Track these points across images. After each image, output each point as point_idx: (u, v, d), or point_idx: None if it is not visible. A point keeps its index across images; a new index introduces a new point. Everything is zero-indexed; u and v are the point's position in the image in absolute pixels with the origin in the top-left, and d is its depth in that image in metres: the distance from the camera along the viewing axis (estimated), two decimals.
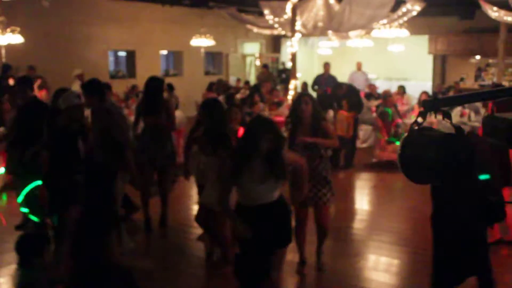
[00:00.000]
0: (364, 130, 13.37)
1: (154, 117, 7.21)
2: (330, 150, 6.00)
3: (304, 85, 16.39)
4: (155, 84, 7.35)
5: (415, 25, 15.96)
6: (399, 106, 13.18)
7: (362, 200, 10.08)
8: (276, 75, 21.70)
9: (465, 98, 3.76)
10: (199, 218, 6.00)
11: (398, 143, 8.51)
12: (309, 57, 22.84)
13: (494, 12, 13.64)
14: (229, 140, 5.66)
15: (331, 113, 11.58)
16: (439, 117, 2.47)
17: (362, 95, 15.12)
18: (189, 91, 18.04)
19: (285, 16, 13.11)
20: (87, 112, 6.45)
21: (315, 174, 5.64)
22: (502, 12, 13.58)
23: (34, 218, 6.31)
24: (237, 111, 6.61)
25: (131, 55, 19.43)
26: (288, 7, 11.50)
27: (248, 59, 23.52)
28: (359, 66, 17.88)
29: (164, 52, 21.15)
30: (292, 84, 11.42)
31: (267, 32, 17.38)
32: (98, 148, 6.03)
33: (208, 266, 6.34)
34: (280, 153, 4.39)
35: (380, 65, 20.80)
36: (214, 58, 22.76)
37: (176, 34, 19.51)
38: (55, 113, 6.07)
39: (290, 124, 5.90)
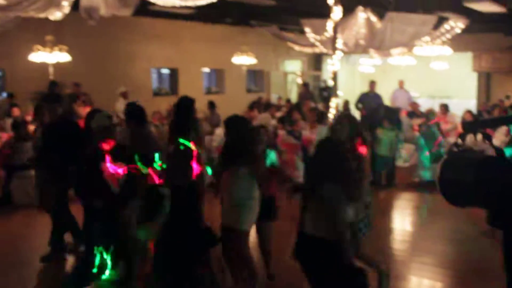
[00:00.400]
0: (406, 149, 13.21)
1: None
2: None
3: (346, 103, 16.32)
4: (185, 104, 7.34)
5: (458, 42, 15.76)
6: (442, 125, 12.99)
7: (404, 220, 9.93)
8: (317, 93, 21.65)
9: (504, 120, 3.69)
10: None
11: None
12: (350, 75, 22.75)
13: None
14: (250, 157, 5.69)
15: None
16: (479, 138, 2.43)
17: (404, 113, 14.97)
18: (230, 109, 18.02)
19: (326, 34, 13.11)
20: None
21: None
22: None
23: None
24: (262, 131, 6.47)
25: (174, 73, 19.69)
26: (329, 25, 11.47)
27: (290, 77, 23.56)
28: (401, 84, 17.72)
29: (207, 70, 21.35)
30: (334, 102, 11.35)
31: (308, 50, 17.38)
32: None
33: None
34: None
35: (422, 83, 20.57)
36: (255, 76, 22.86)
37: (218, 52, 19.69)
38: (88, 133, 6.25)
39: None
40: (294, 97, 21.49)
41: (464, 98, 19.50)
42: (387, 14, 12.88)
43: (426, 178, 11.35)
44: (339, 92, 11.73)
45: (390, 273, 5.59)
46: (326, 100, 16.55)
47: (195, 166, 5.79)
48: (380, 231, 8.10)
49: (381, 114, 11.69)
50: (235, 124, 6.11)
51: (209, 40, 19.20)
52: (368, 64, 20.77)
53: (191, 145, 5.91)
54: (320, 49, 15.39)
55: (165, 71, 20.55)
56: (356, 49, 14.45)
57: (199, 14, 15.24)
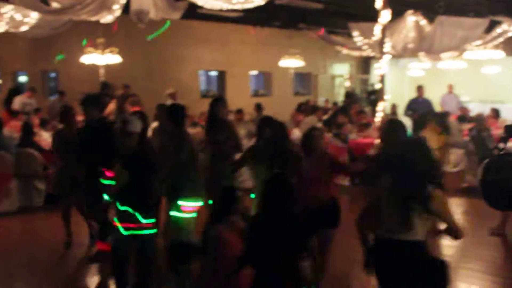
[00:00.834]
0: (455, 154, 12.99)
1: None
2: None
3: (393, 107, 16.16)
4: (215, 105, 7.39)
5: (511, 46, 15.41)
6: (493, 130, 12.71)
7: None
8: (365, 97, 21.50)
9: None
10: None
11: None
12: (399, 79, 22.49)
13: None
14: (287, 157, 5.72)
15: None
16: None
17: (454, 118, 14.72)
18: (278, 112, 18.07)
19: (374, 38, 13.00)
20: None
21: None
22: None
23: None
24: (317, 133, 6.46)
25: (221, 75, 19.86)
26: (377, 28, 11.36)
27: (338, 80, 23.45)
28: (450, 89, 17.44)
29: (254, 72, 21.45)
30: (381, 106, 11.25)
31: (356, 53, 17.29)
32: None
33: None
34: None
35: (473, 87, 20.14)
36: (303, 78, 22.85)
37: (266, 55, 19.76)
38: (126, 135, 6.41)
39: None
40: (341, 100, 21.40)
41: None
42: (437, 18, 12.69)
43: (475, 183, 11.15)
44: (386, 96, 11.61)
45: None
46: (373, 104, 16.44)
47: None
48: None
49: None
50: (273, 125, 6.09)
51: (256, 43, 19.29)
52: (418, 68, 20.51)
53: None
54: (368, 52, 15.29)
55: (213, 73, 20.75)
56: (405, 52, 14.29)
57: (247, 17, 15.33)
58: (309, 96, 21.23)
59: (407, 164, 3.96)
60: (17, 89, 14.14)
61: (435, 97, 16.83)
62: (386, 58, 11.04)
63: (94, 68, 14.50)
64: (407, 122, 12.78)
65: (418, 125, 12.13)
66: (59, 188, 7.72)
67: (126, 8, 9.99)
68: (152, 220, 5.12)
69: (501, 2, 12.94)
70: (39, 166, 10.07)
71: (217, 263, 4.30)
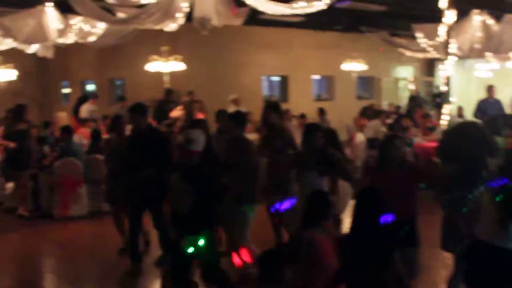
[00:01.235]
0: None
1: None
2: None
3: (459, 109, 15.78)
4: (267, 110, 7.36)
5: None
6: None
7: None
8: (430, 100, 21.07)
9: None
10: None
11: None
12: (465, 80, 21.91)
13: None
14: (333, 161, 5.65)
15: None
16: None
17: None
18: (340, 116, 18.04)
19: (439, 39, 12.76)
20: None
21: None
22: None
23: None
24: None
25: (284, 80, 19.90)
26: (442, 29, 11.16)
27: (401, 83, 23.09)
28: None
29: (316, 77, 21.39)
30: (447, 108, 11.03)
31: (420, 55, 16.99)
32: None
33: None
34: None
35: None
36: (366, 82, 22.62)
37: (328, 59, 19.67)
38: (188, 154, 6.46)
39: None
40: (405, 103, 21.06)
41: None
42: (505, 16, 12.34)
43: None
44: (452, 98, 11.36)
45: None
46: (439, 107, 16.11)
47: None
48: None
49: (500, 122, 11.19)
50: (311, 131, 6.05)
51: (319, 47, 19.23)
52: (485, 69, 19.95)
53: None
54: (433, 54, 15.00)
55: (275, 78, 20.80)
56: (471, 53, 13.93)
57: (309, 22, 15.31)
58: (372, 100, 20.98)
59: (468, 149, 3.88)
60: (85, 98, 14.59)
61: (504, 98, 16.30)
62: (452, 59, 10.82)
63: (158, 75, 14.80)
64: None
65: (490, 127, 11.77)
66: (110, 197, 7.76)
67: (189, 16, 10.15)
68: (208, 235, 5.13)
69: None
70: None
71: (310, 269, 4.26)
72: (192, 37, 13.86)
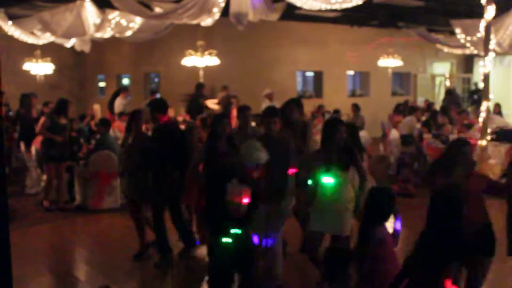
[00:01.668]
0: None
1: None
2: None
3: (497, 106, 15.49)
4: (288, 106, 7.18)
5: None
6: None
7: None
8: (467, 96, 20.78)
9: None
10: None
11: None
12: (505, 77, 21.54)
13: None
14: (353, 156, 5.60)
15: None
16: None
17: None
18: (375, 112, 17.92)
19: (478, 35, 12.53)
20: None
21: None
22: None
23: None
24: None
25: (318, 76, 19.80)
26: (482, 25, 10.95)
27: (438, 80, 22.78)
28: None
29: (351, 72, 21.24)
30: (484, 105, 10.82)
31: (458, 51, 16.75)
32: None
33: None
34: None
35: None
36: (401, 78, 22.38)
37: (364, 54, 19.52)
38: (215, 137, 6.48)
39: None
40: (441, 99, 20.78)
41: None
42: None
43: None
44: (490, 95, 11.15)
45: None
46: (476, 104, 15.85)
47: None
48: None
49: None
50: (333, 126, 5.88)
51: (354, 43, 19.10)
52: None
53: None
54: (471, 50, 14.75)
55: (310, 74, 20.72)
56: (511, 49, 13.66)
57: (345, 17, 15.21)
58: (408, 96, 20.75)
59: None
60: (120, 91, 14.73)
61: None
62: (491, 55, 10.62)
63: (193, 70, 14.87)
64: None
65: None
66: (129, 194, 7.47)
67: (224, 11, 10.16)
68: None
69: None
70: None
71: (377, 267, 4.21)
72: (227, 32, 13.91)
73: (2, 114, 3.59)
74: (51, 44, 13.15)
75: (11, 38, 12.98)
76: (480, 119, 11.00)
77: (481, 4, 10.66)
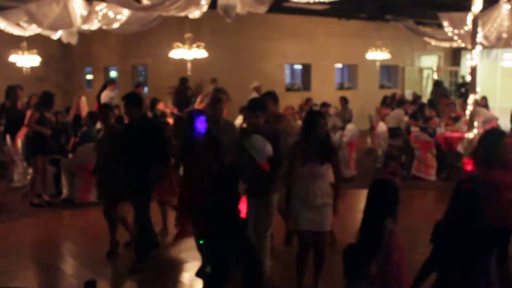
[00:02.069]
0: None
1: None
2: None
3: (484, 99, 15.58)
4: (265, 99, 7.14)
5: None
6: None
7: None
8: (454, 89, 20.87)
9: None
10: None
11: None
12: (491, 70, 21.66)
13: None
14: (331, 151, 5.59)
15: None
16: None
17: None
18: (363, 105, 17.97)
19: (466, 28, 12.57)
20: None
21: None
22: None
23: None
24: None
25: (306, 69, 19.80)
26: (469, 18, 10.98)
27: (425, 73, 22.87)
28: None
29: (339, 65, 21.26)
30: (471, 98, 10.87)
31: (446, 44, 16.78)
32: None
33: None
34: None
35: None
36: (389, 71, 22.44)
37: (352, 47, 19.54)
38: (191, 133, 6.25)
39: None
40: (429, 93, 20.87)
41: None
42: None
43: None
44: (477, 88, 11.19)
45: None
46: (464, 97, 15.93)
47: None
48: None
49: None
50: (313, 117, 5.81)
51: (342, 36, 19.11)
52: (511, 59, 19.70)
53: None
54: (459, 43, 14.79)
55: (298, 66, 20.72)
56: (498, 43, 13.71)
57: (333, 10, 15.20)
58: (395, 89, 20.82)
59: None
60: (107, 84, 14.64)
61: None
62: (478, 49, 10.65)
63: (181, 62, 14.81)
64: None
65: None
66: (102, 192, 7.25)
67: (212, 3, 10.11)
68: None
69: None
70: None
71: (390, 257, 4.20)
72: (215, 24, 13.87)
73: None
74: (38, 36, 13.02)
75: None
76: (467, 112, 11.05)
77: None
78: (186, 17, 10.96)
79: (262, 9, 11.06)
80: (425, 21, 16.62)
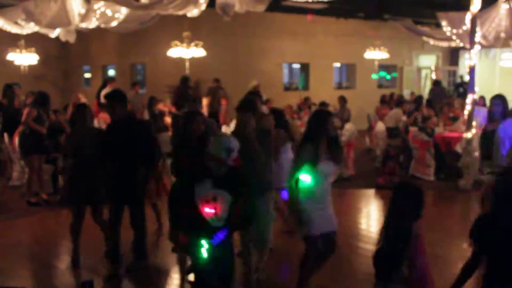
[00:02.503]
0: None
1: None
2: None
3: (482, 99, 15.57)
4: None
5: None
6: None
7: None
8: (452, 89, 20.87)
9: None
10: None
11: None
12: (490, 70, 21.67)
13: None
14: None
15: None
16: None
17: None
18: (361, 104, 17.96)
19: (464, 28, 12.58)
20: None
21: None
22: None
23: None
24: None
25: (305, 68, 19.80)
26: (468, 18, 10.99)
27: (424, 72, 22.88)
28: None
29: (337, 64, 21.26)
30: (469, 98, 10.88)
31: (444, 44, 16.79)
32: None
33: None
34: None
35: None
36: (388, 70, 22.44)
37: (350, 46, 19.53)
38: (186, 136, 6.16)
39: None
40: (427, 93, 20.87)
41: None
42: None
43: None
44: (476, 88, 11.20)
45: None
46: (462, 96, 15.94)
47: None
48: None
49: None
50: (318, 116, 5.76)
51: (341, 35, 19.10)
52: (510, 58, 19.70)
53: None
54: (457, 43, 14.80)
55: (296, 65, 20.72)
56: (497, 42, 13.72)
57: (331, 9, 15.19)
58: (394, 89, 20.83)
59: None
60: (106, 82, 14.62)
61: None
62: (477, 48, 10.65)
63: (179, 61, 14.79)
64: None
65: None
66: (69, 194, 6.88)
67: (211, 2, 10.10)
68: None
69: None
70: None
71: (417, 261, 4.17)
72: (214, 23, 13.83)
73: None
74: (36, 34, 13.00)
75: None
76: (466, 112, 11.06)
77: None
78: (185, 16, 10.95)
79: (261, 8, 11.05)
80: (423, 20, 16.63)
